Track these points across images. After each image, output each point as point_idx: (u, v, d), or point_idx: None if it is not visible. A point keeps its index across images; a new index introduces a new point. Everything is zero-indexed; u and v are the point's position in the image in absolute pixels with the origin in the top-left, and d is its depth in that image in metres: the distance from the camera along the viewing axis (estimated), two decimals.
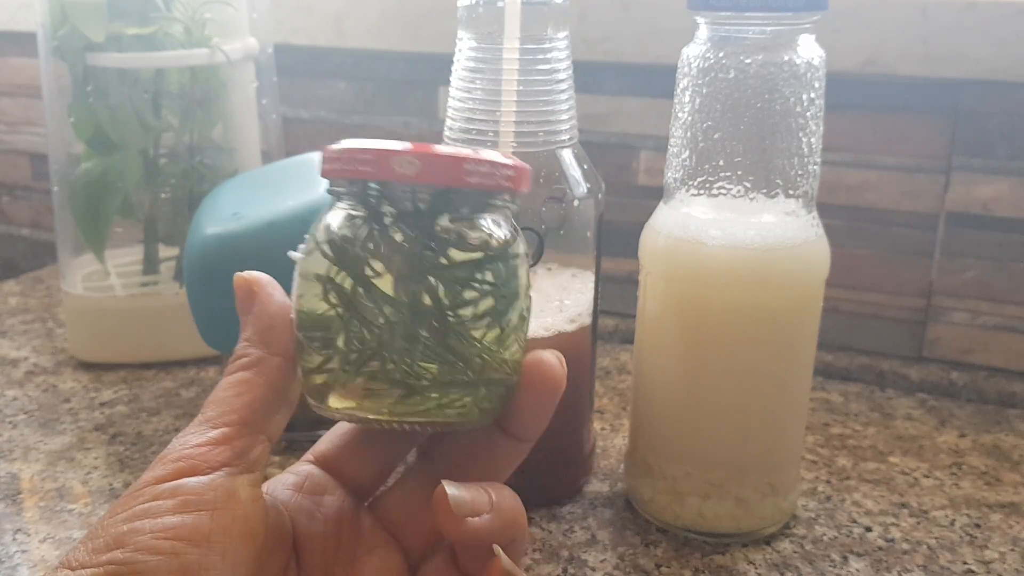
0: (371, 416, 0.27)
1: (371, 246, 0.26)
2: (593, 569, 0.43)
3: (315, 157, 0.52)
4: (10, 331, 0.69)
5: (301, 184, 0.49)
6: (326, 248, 0.27)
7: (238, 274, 0.30)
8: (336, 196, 0.27)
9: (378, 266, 0.26)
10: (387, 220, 0.26)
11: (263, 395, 0.28)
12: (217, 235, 0.47)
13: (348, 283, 0.27)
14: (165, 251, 0.65)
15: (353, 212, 0.27)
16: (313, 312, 0.27)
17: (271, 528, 0.27)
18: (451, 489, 0.26)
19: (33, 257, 0.94)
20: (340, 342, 0.27)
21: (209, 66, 0.61)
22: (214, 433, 0.27)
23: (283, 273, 0.49)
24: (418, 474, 0.31)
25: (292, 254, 0.29)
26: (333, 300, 0.27)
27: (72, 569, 0.24)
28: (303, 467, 0.30)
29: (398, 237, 0.26)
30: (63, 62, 0.59)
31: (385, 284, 0.26)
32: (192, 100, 0.62)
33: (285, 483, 0.30)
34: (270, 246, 0.46)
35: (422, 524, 0.30)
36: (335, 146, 0.27)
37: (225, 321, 0.49)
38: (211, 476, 0.26)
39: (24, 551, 0.43)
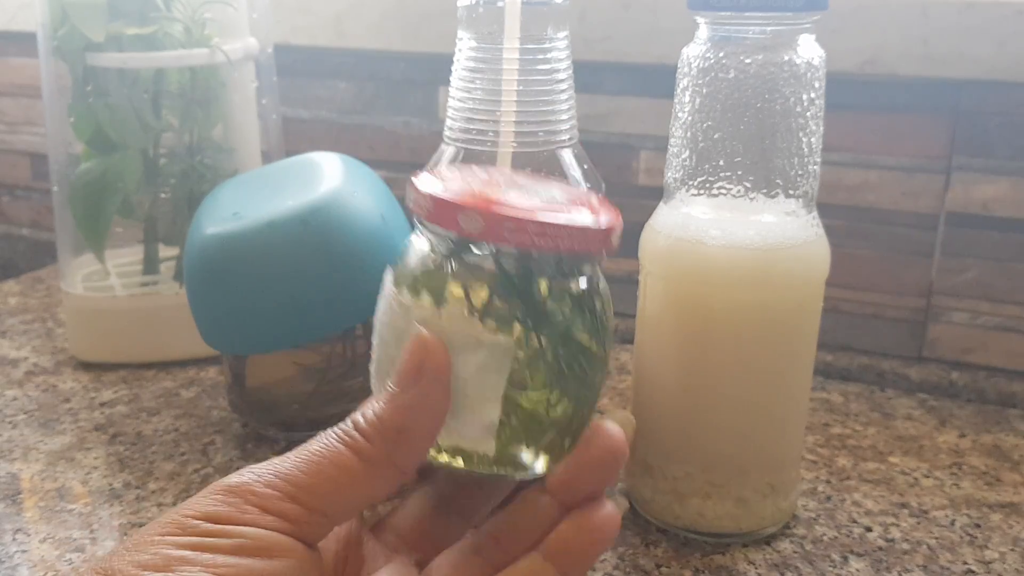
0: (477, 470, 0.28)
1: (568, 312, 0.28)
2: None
3: (315, 157, 0.52)
4: (10, 331, 0.69)
5: (301, 184, 0.49)
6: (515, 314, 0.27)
7: (422, 335, 0.27)
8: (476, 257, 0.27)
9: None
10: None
11: (360, 496, 0.26)
12: (217, 235, 0.47)
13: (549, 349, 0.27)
14: (165, 251, 0.65)
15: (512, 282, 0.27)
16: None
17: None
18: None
19: (33, 257, 0.94)
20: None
21: (209, 66, 0.61)
22: (288, 507, 0.25)
23: (283, 273, 0.49)
24: (424, 495, 0.31)
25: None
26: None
27: None
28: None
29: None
30: (63, 62, 0.59)
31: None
32: (192, 100, 0.62)
33: None
34: (270, 246, 0.46)
35: (431, 536, 0.30)
36: (499, 210, 0.26)
37: (225, 321, 0.49)
38: (270, 532, 0.25)
39: (24, 551, 0.43)
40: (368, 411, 0.27)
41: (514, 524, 0.29)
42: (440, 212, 0.26)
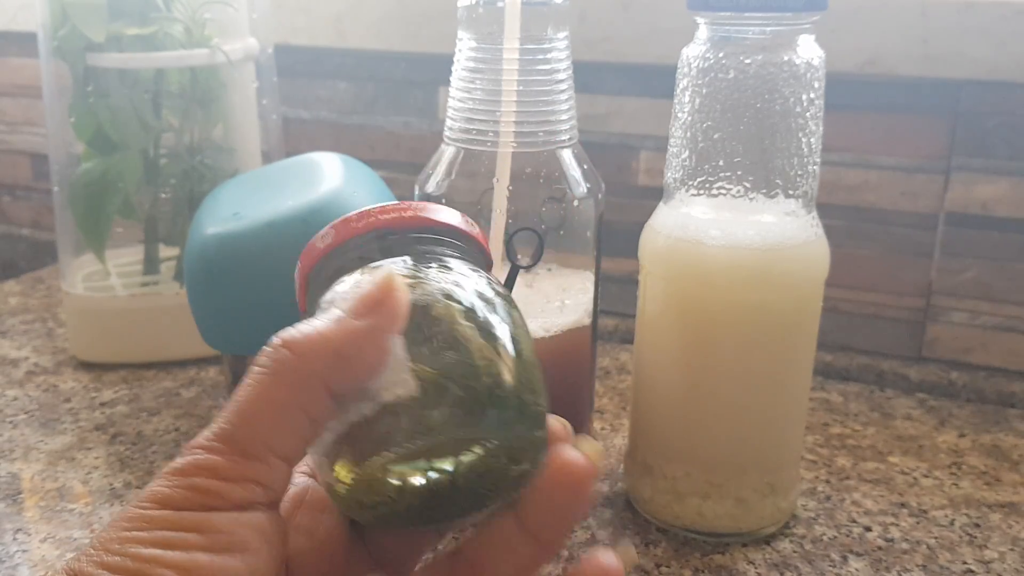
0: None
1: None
2: None
3: (315, 157, 0.52)
4: (10, 331, 0.69)
5: (301, 184, 0.49)
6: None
7: (395, 274, 0.26)
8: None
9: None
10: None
11: (300, 419, 0.24)
12: (217, 235, 0.47)
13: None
14: (165, 251, 0.65)
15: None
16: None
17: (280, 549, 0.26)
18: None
19: (33, 257, 0.94)
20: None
21: (209, 66, 0.61)
22: (244, 464, 0.24)
23: (283, 273, 0.49)
24: None
25: None
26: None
27: None
28: (300, 479, 0.29)
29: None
30: (63, 62, 0.59)
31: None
32: (192, 100, 0.62)
33: (286, 495, 0.28)
34: (270, 246, 0.46)
35: (414, 551, 0.30)
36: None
37: (225, 321, 0.49)
38: (240, 513, 0.24)
39: (24, 551, 0.43)
40: (305, 327, 0.25)
41: (487, 549, 0.28)
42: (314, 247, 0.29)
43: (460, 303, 0.26)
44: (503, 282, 0.43)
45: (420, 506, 0.26)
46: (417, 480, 0.25)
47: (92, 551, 0.24)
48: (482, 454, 0.25)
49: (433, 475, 0.25)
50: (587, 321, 0.46)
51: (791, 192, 0.41)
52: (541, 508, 0.26)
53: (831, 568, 0.43)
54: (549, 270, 0.45)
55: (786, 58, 0.39)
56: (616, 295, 0.67)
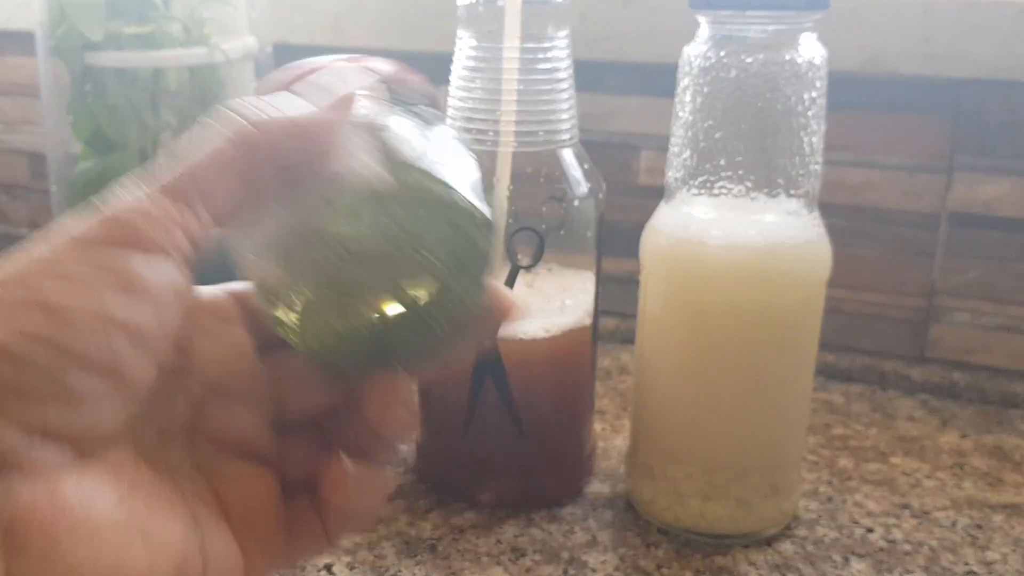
0: None
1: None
2: (594, 570, 0.42)
3: None
4: None
5: None
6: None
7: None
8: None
9: None
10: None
11: (237, 177, 0.23)
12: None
13: None
14: None
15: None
16: None
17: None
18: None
19: None
20: None
21: (208, 65, 0.61)
22: (171, 207, 0.22)
23: None
24: None
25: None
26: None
27: None
28: (214, 289, 0.27)
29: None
30: (61, 61, 0.59)
31: None
32: (191, 99, 0.62)
33: (197, 296, 0.26)
34: None
35: (306, 392, 0.27)
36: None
37: None
38: (161, 258, 0.22)
39: None
40: (272, 111, 0.24)
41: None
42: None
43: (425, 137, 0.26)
44: (503, 283, 0.43)
45: (368, 336, 0.24)
46: (365, 308, 0.24)
47: None
48: (436, 273, 0.24)
49: (386, 296, 0.24)
50: (588, 321, 0.46)
51: (793, 191, 0.41)
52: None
53: (833, 569, 0.43)
54: (549, 270, 0.45)
55: (788, 57, 0.39)
56: (617, 295, 0.67)
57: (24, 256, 0.21)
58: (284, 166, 0.24)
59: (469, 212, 0.25)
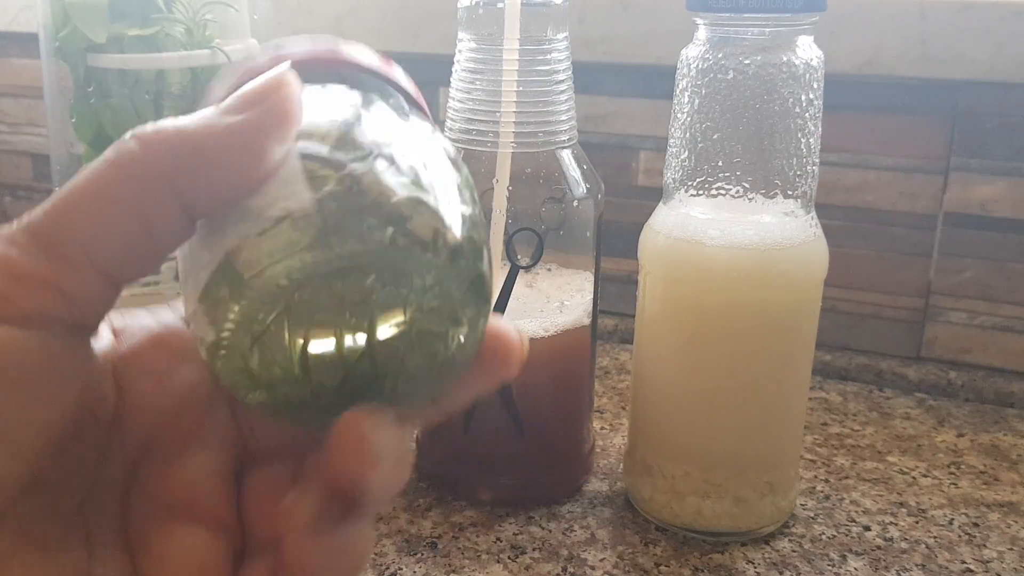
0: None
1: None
2: (592, 568, 0.43)
3: None
4: None
5: None
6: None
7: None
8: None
9: None
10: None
11: (128, 216, 0.18)
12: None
13: None
14: None
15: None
16: None
17: (89, 398, 0.20)
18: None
19: None
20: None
21: (210, 67, 0.61)
22: (45, 264, 0.18)
23: None
24: None
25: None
26: None
27: None
28: (166, 314, 0.23)
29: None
30: (65, 63, 0.60)
31: None
32: (194, 101, 0.62)
33: (142, 325, 0.22)
34: None
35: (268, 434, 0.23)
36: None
37: None
38: (20, 330, 0.18)
39: None
40: (165, 120, 0.20)
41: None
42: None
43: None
44: (503, 283, 0.44)
45: (324, 382, 0.19)
46: (319, 341, 0.19)
47: None
48: (407, 300, 0.19)
49: (340, 333, 0.19)
50: (587, 321, 0.46)
51: (790, 192, 0.41)
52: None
53: (830, 567, 0.43)
54: (549, 270, 0.45)
55: (785, 59, 0.39)
56: (616, 295, 0.67)
57: None
58: (189, 200, 0.19)
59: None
